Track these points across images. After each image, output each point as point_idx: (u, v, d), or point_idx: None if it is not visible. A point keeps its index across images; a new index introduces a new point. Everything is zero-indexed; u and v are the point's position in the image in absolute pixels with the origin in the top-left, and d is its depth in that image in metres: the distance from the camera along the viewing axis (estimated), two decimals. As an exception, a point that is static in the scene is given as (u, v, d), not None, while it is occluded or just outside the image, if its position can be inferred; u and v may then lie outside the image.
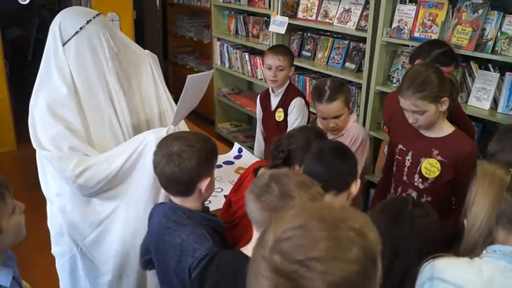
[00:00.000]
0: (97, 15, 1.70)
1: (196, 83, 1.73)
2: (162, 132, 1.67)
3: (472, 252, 1.17)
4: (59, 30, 1.65)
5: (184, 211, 1.48)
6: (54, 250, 1.87)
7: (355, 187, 1.54)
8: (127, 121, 1.76)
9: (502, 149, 1.59)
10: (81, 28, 1.64)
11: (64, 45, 1.65)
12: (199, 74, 1.79)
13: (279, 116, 2.65)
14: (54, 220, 1.81)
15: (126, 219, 1.73)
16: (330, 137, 2.22)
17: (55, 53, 1.67)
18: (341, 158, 1.56)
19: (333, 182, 1.48)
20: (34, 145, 1.66)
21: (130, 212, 1.72)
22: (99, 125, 1.71)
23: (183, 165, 1.41)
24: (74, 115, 1.66)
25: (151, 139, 1.66)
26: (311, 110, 2.65)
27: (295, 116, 2.56)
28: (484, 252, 1.16)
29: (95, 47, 1.66)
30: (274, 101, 2.70)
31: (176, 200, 1.51)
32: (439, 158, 1.87)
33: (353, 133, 2.20)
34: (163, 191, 1.74)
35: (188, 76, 1.65)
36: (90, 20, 1.66)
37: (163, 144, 1.47)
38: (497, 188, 1.16)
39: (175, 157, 1.41)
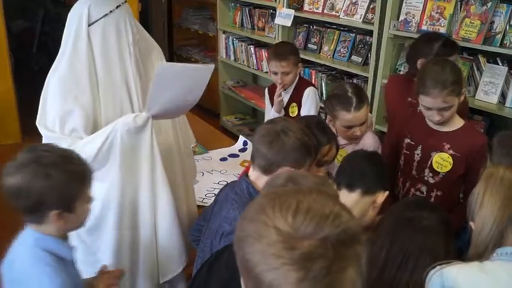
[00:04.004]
0: (125, 1, 1.77)
1: (184, 74, 1.71)
2: (129, 118, 1.68)
3: (482, 256, 1.14)
4: (88, 11, 1.70)
5: (249, 186, 1.52)
6: None
7: (381, 197, 1.54)
8: (140, 106, 1.78)
9: (506, 153, 1.56)
10: (111, 11, 1.71)
11: (89, 25, 1.71)
12: (183, 64, 1.81)
13: (293, 111, 2.60)
14: None
15: (121, 207, 1.74)
16: (344, 141, 2.09)
17: (77, 32, 1.71)
18: (372, 162, 1.59)
19: (361, 180, 1.52)
20: (37, 120, 1.71)
21: (125, 199, 1.74)
22: (110, 106, 1.74)
23: (276, 143, 1.46)
24: (86, 95, 1.70)
25: (119, 124, 1.67)
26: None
27: (309, 106, 2.53)
28: (494, 255, 1.13)
29: (121, 31, 1.73)
30: (285, 97, 2.65)
31: (253, 174, 1.54)
32: (451, 152, 1.85)
33: (366, 143, 2.07)
34: (158, 178, 1.75)
35: (158, 63, 1.67)
36: (119, 5, 1.74)
37: (274, 120, 1.59)
38: (506, 190, 1.13)
39: (273, 134, 1.48)
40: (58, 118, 1.68)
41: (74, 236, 1.76)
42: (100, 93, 1.73)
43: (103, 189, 1.70)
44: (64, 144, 1.65)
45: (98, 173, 1.65)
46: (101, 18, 1.70)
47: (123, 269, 1.59)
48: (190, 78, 1.73)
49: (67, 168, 1.27)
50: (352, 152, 1.76)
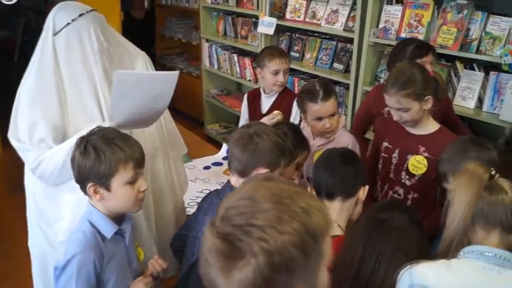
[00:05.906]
0: (91, 10, 1.76)
1: (144, 82, 1.66)
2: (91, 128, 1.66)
3: (448, 251, 1.17)
4: (53, 21, 1.70)
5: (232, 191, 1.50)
6: (30, 242, 1.88)
7: (363, 193, 1.55)
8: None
9: (457, 153, 1.58)
10: (73, 20, 1.70)
11: (54, 35, 1.70)
12: (142, 72, 1.80)
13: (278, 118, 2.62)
14: (30, 210, 1.82)
15: None
16: (321, 141, 2.18)
17: (43, 42, 1.71)
18: (347, 163, 1.57)
19: (340, 188, 1.51)
20: (9, 133, 1.70)
21: None
22: (79, 115, 1.72)
23: (250, 146, 1.49)
24: (53, 105, 1.68)
25: (84, 134, 1.65)
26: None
27: (295, 115, 2.55)
28: (461, 253, 1.16)
29: (83, 39, 1.71)
30: (267, 102, 2.66)
31: (232, 179, 1.57)
32: (426, 154, 1.89)
33: (342, 141, 2.14)
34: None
35: (115, 71, 1.60)
36: (83, 14, 1.72)
37: (248, 124, 1.62)
38: (476, 187, 1.16)
39: (246, 137, 1.51)
40: (26, 129, 1.66)
41: (49, 247, 1.76)
42: (68, 103, 1.71)
43: (73, 200, 1.68)
44: (31, 154, 1.66)
45: (67, 184, 1.64)
46: (64, 27, 1.69)
47: (166, 263, 1.59)
48: (153, 85, 1.68)
49: (101, 148, 1.40)
50: (325, 158, 1.67)
